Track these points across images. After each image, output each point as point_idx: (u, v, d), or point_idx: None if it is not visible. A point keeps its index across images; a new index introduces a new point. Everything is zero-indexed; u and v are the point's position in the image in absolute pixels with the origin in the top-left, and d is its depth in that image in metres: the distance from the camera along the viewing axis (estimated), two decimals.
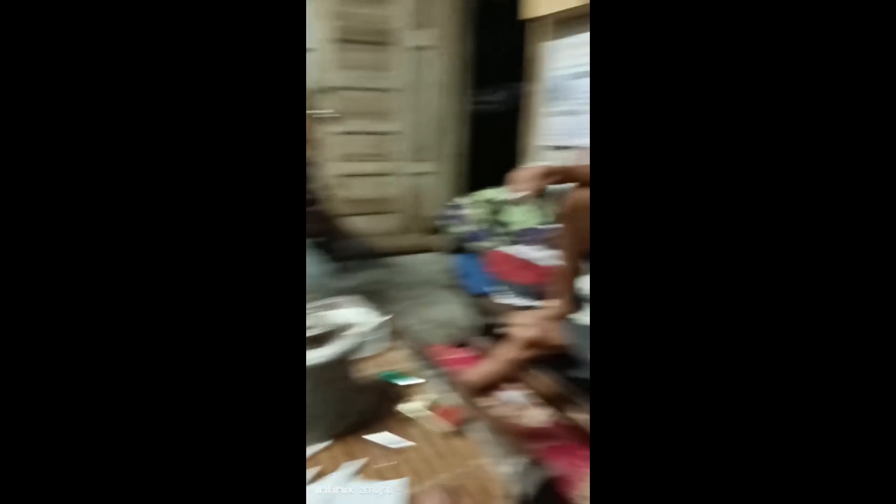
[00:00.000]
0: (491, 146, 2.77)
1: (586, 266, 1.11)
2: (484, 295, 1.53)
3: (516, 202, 0.99)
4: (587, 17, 1.87)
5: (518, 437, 1.16)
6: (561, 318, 1.17)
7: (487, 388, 1.10)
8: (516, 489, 0.60)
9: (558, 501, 0.62)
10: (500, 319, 1.28)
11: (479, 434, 0.70)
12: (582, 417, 1.16)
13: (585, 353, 1.00)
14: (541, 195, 1.80)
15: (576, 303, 1.21)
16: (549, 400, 1.28)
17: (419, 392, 0.95)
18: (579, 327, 1.08)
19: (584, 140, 1.97)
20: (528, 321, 1.13)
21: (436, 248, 2.64)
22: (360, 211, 2.86)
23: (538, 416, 1.27)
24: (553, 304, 1.24)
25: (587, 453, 1.12)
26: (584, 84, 1.94)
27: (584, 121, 1.96)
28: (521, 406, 1.30)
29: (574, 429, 1.18)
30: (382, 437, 0.79)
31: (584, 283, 1.10)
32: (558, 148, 2.16)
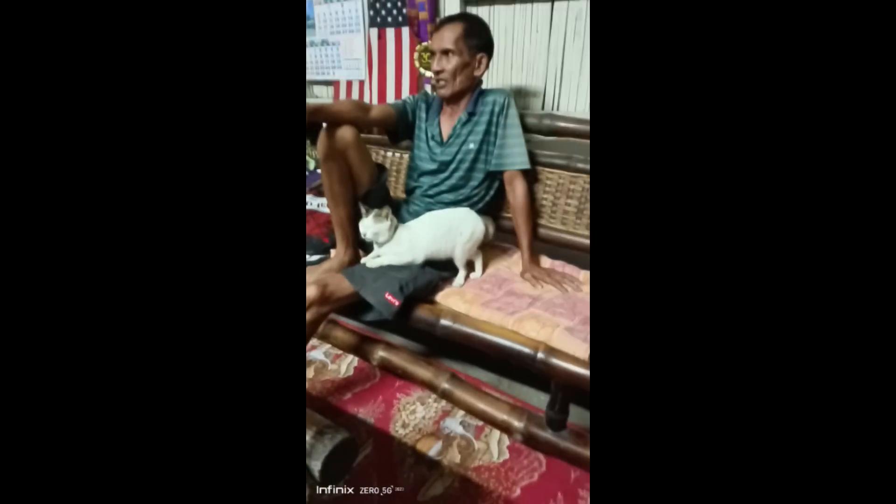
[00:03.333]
0: None
1: (361, 209, 1.08)
2: None
3: None
4: None
5: (321, 398, 1.13)
6: (344, 267, 1.13)
7: None
8: (309, 465, 0.55)
9: (353, 460, 0.60)
10: None
11: None
12: (385, 355, 1.19)
13: (372, 296, 0.99)
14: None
15: (357, 248, 1.19)
16: (350, 348, 1.28)
17: None
18: (363, 271, 1.06)
19: (339, 73, 1.85)
20: (310, 280, 1.05)
21: None
22: None
23: (342, 368, 1.26)
24: (335, 255, 1.19)
25: (399, 383, 1.18)
26: (329, 10, 1.78)
27: (335, 52, 1.83)
28: (323, 363, 1.27)
29: (382, 367, 1.21)
30: None
31: (365, 228, 1.06)
32: (315, 83, 1.99)
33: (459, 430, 1.04)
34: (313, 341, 1.33)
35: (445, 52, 1.08)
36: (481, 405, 1.03)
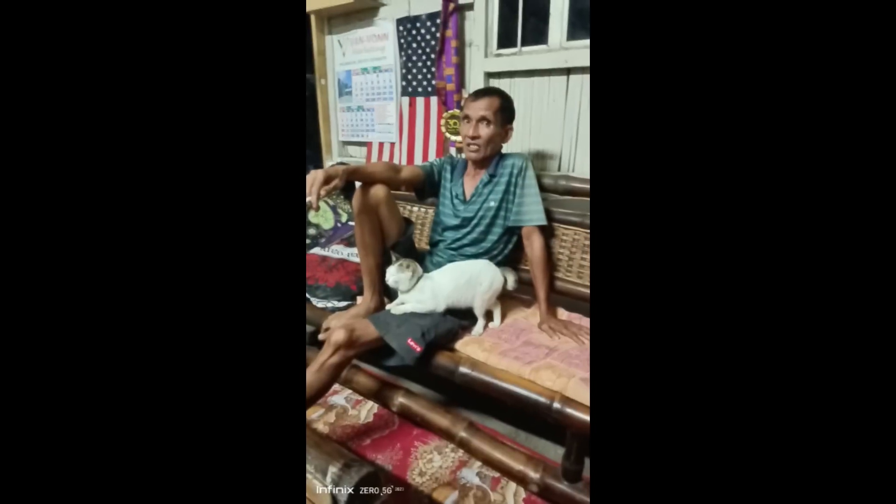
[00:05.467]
0: None
1: (391, 257, 1.16)
2: None
3: (308, 207, 0.96)
4: (359, 13, 1.90)
5: (341, 442, 1.16)
6: (370, 313, 1.20)
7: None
8: (336, 495, 0.59)
9: (379, 494, 0.63)
10: (321, 325, 1.24)
11: None
12: (404, 402, 1.22)
13: (395, 341, 1.05)
14: (333, 195, 1.78)
15: (383, 295, 1.26)
16: (370, 394, 1.31)
17: None
18: (387, 317, 1.12)
19: (373, 135, 2.02)
20: (337, 324, 1.12)
21: None
22: None
23: (362, 413, 1.29)
24: (362, 301, 1.26)
25: (417, 431, 1.20)
26: (366, 80, 1.98)
27: (370, 117, 2.01)
28: (344, 408, 1.30)
29: (401, 414, 1.23)
30: None
31: (389, 275, 1.14)
32: (350, 143, 2.17)
33: (476, 480, 1.05)
34: (336, 386, 1.37)
35: (482, 120, 1.19)
36: (497, 455, 1.03)
